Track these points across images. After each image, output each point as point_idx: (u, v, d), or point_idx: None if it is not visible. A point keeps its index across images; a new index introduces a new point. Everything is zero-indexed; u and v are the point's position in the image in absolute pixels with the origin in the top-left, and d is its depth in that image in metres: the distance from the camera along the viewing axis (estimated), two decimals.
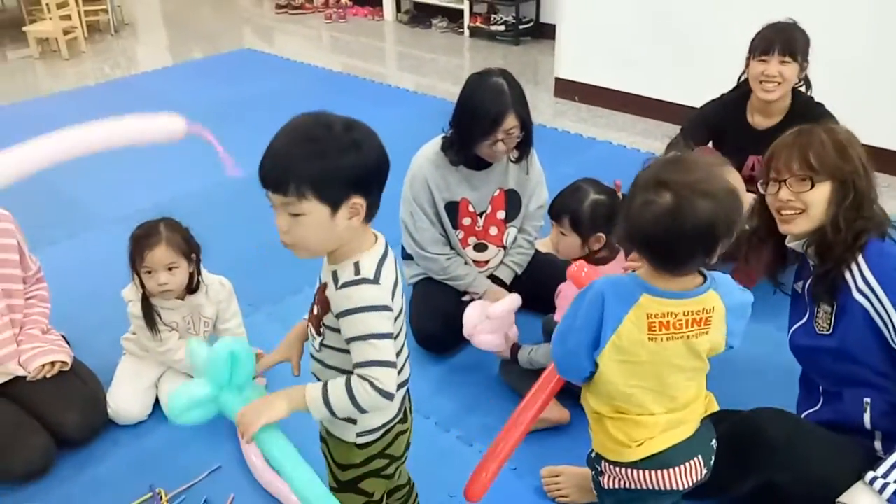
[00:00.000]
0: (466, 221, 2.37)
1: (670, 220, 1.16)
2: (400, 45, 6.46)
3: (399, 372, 1.24)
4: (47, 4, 5.77)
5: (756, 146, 2.64)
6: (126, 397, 2.11)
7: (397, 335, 1.27)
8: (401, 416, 1.38)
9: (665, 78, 4.25)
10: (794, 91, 2.60)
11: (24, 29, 5.86)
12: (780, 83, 2.48)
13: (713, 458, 1.41)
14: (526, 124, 2.20)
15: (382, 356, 1.20)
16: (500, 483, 1.90)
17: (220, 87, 5.14)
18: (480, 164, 2.31)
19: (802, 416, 1.76)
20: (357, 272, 1.21)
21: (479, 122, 2.14)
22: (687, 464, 1.37)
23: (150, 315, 2.07)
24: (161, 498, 1.87)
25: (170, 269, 2.00)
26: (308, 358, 1.37)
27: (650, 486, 1.37)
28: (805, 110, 2.55)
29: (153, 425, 2.13)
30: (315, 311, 1.30)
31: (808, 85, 2.62)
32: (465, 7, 6.33)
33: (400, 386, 1.31)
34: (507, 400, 2.15)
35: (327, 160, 1.14)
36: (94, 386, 2.12)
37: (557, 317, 1.81)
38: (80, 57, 6.03)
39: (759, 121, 2.64)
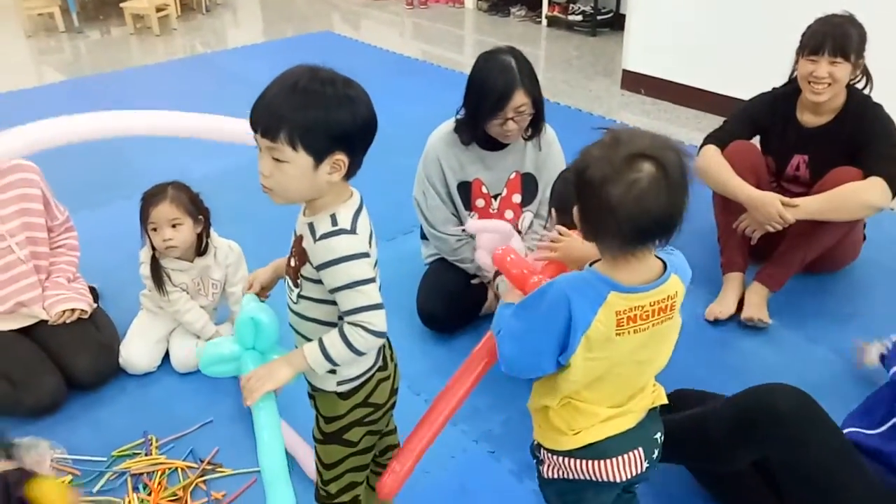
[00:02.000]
0: (480, 203, 2.36)
1: (665, 185, 1.11)
2: (477, 32, 6.45)
3: None
4: None
5: (803, 145, 2.50)
6: (137, 349, 2.22)
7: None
8: (380, 363, 1.40)
9: (732, 74, 4.07)
10: (850, 89, 2.41)
11: (122, 5, 6.21)
12: (830, 84, 2.29)
13: (657, 451, 1.37)
14: (537, 102, 2.17)
15: (370, 300, 1.24)
16: (478, 466, 1.93)
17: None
18: (495, 145, 2.29)
19: (846, 430, 1.67)
20: (334, 223, 1.23)
21: (487, 100, 2.12)
22: (625, 455, 1.31)
23: (158, 275, 2.18)
24: (151, 444, 1.97)
25: (174, 225, 2.10)
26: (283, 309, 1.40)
27: (587, 477, 1.32)
28: (860, 110, 2.38)
29: (159, 377, 2.24)
30: (292, 263, 1.32)
31: (869, 79, 2.40)
32: None
33: None
34: (501, 385, 2.14)
35: (319, 112, 1.16)
36: (108, 335, 2.25)
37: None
38: (171, 34, 6.34)
39: (808, 119, 2.47)
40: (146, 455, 1.93)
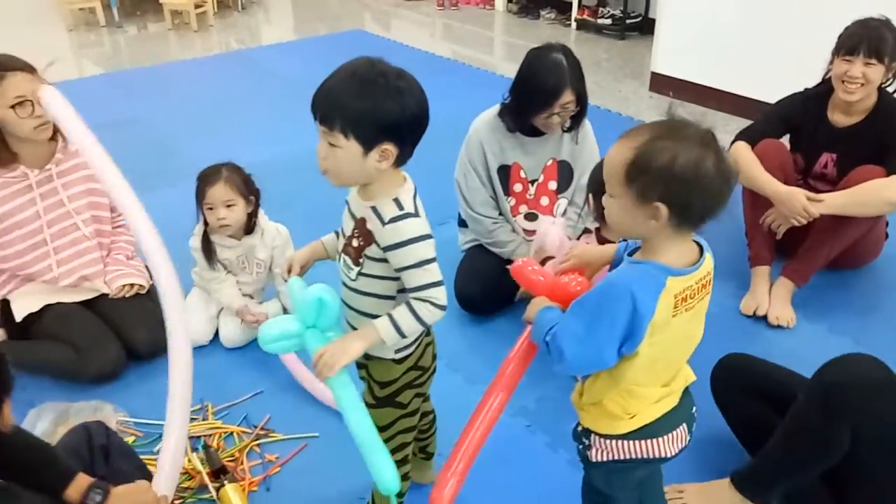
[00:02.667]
0: (518, 188, 2.47)
1: (724, 168, 1.17)
2: (507, 34, 6.55)
3: None
4: None
5: (833, 144, 2.59)
6: (191, 323, 2.35)
7: None
8: (424, 329, 1.51)
9: (760, 77, 4.15)
10: (881, 91, 2.50)
11: (161, 1, 6.38)
12: (863, 84, 2.38)
13: (694, 425, 1.44)
14: (581, 98, 2.29)
15: (435, 277, 1.36)
16: (515, 439, 2.03)
17: (330, 64, 5.42)
18: (535, 132, 2.40)
19: None
20: (400, 208, 1.34)
21: (538, 96, 2.25)
22: (674, 432, 1.38)
23: (208, 249, 2.31)
24: (207, 410, 2.10)
25: (228, 205, 2.23)
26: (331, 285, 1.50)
27: (640, 456, 1.38)
28: (890, 111, 2.47)
29: (212, 350, 2.37)
30: (354, 244, 1.41)
31: None
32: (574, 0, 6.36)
33: None
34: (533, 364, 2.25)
35: (368, 104, 1.26)
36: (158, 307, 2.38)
37: None
38: (208, 30, 6.51)
39: (839, 119, 2.56)
40: (203, 420, 2.06)
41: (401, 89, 1.29)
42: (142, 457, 1.79)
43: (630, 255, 1.30)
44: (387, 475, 1.36)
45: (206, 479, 1.83)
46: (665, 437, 1.38)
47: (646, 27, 6.05)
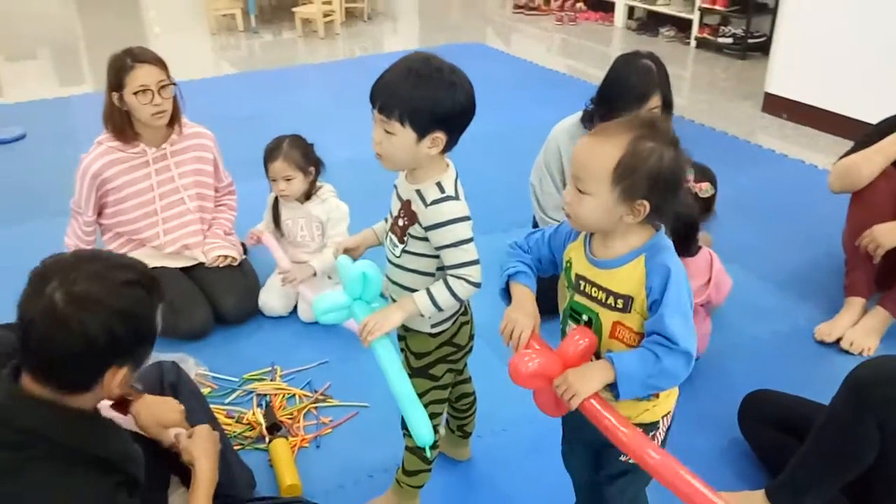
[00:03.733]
0: None
1: (683, 162, 1.23)
2: (624, 51, 6.53)
3: None
4: None
5: None
6: (272, 296, 2.57)
7: None
8: (462, 309, 1.63)
9: (876, 102, 3.94)
10: None
11: (294, 10, 6.83)
12: None
13: None
14: (668, 104, 2.32)
15: (471, 257, 1.47)
16: (551, 428, 2.08)
17: None
18: None
19: None
20: (441, 191, 1.46)
21: (627, 99, 2.26)
22: None
23: (276, 213, 2.59)
24: (276, 373, 2.29)
25: (287, 179, 2.47)
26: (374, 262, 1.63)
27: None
28: None
29: (289, 322, 2.58)
30: (400, 223, 1.53)
31: None
32: (695, 17, 6.27)
33: None
34: None
35: (425, 96, 1.38)
36: (252, 280, 2.62)
37: None
38: (334, 38, 6.90)
39: None
40: (271, 381, 2.25)
41: (454, 83, 1.40)
42: (212, 406, 1.99)
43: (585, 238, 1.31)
44: (423, 428, 1.44)
45: (264, 432, 2.01)
46: None
47: (769, 48, 5.87)
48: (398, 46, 6.62)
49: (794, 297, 2.69)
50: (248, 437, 2.03)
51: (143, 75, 2.33)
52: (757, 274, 2.83)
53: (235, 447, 1.93)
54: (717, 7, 6.05)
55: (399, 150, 1.43)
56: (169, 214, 2.55)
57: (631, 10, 7.11)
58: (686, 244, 2.06)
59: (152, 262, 2.52)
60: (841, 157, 2.60)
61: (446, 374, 1.66)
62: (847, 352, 2.40)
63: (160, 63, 2.39)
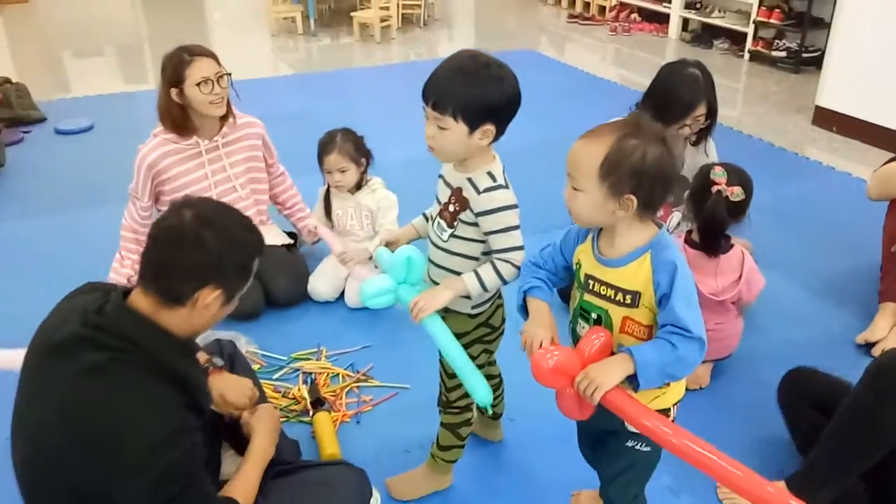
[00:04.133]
0: None
1: (674, 161, 1.31)
2: None
3: None
4: None
5: None
6: (321, 281, 2.70)
7: None
8: (497, 292, 1.72)
9: None
10: None
11: (352, 14, 7.03)
12: None
13: None
14: (712, 112, 2.39)
15: (517, 242, 1.57)
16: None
17: None
18: None
19: None
20: (493, 180, 1.56)
21: (674, 107, 2.34)
22: None
23: (328, 203, 2.73)
24: (322, 353, 2.41)
25: (341, 171, 2.63)
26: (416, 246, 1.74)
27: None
28: None
29: (336, 307, 2.71)
30: (450, 209, 1.63)
31: None
32: (749, 30, 6.25)
33: None
34: None
35: (476, 92, 1.47)
36: (302, 267, 2.76)
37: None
38: (390, 42, 7.07)
39: None
40: (316, 360, 2.38)
41: (500, 77, 1.49)
42: (261, 381, 2.12)
43: (595, 238, 1.38)
44: (481, 390, 1.53)
45: (308, 406, 2.13)
46: None
47: (822, 62, 5.84)
48: (451, 52, 6.74)
49: (830, 304, 2.72)
50: (293, 411, 2.15)
51: (203, 67, 2.48)
52: (795, 281, 2.86)
53: (281, 419, 2.05)
54: (772, 21, 6.02)
55: (452, 144, 1.52)
56: (225, 202, 2.69)
57: (686, 22, 7.12)
58: (713, 242, 2.13)
59: None
60: (882, 165, 2.62)
61: (481, 355, 1.75)
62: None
63: (214, 56, 2.54)
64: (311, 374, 2.31)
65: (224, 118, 2.63)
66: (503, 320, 1.78)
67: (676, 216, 2.59)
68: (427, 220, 1.75)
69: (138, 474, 1.22)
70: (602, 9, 7.98)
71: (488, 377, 1.89)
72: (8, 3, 8.63)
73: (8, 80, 4.74)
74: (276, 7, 7.32)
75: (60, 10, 8.70)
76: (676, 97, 2.34)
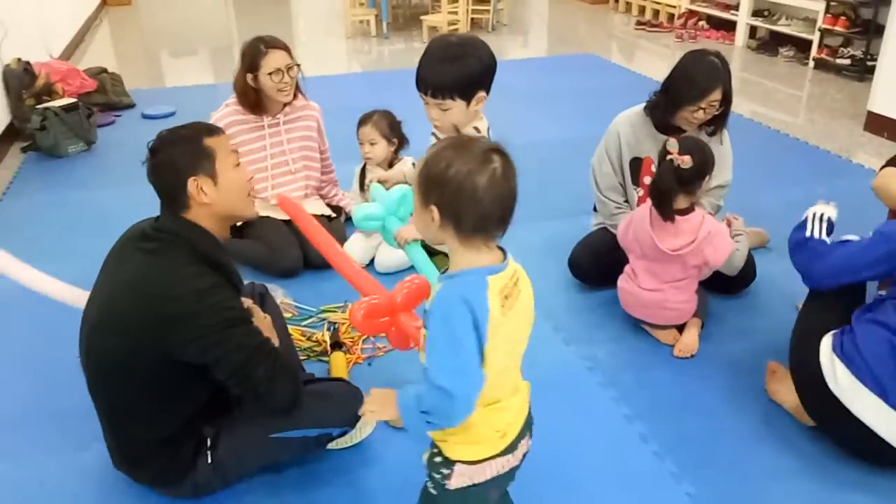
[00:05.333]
0: (647, 180, 2.73)
1: (511, 171, 1.24)
2: (741, 70, 6.55)
3: None
4: (448, 1, 7.22)
5: None
6: (355, 246, 2.99)
7: None
8: None
9: None
10: None
11: (422, 18, 7.36)
12: None
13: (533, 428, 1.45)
14: (727, 100, 2.54)
15: None
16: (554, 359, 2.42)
17: (550, 79, 5.99)
18: (674, 132, 2.60)
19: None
20: (478, 132, 1.85)
21: (690, 90, 2.50)
22: (522, 441, 1.40)
23: (362, 176, 3.02)
24: (347, 307, 2.69)
25: (371, 143, 2.93)
26: None
27: (498, 472, 1.36)
28: None
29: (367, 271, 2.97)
30: None
31: None
32: (815, 38, 6.23)
33: None
34: (628, 331, 2.57)
35: (462, 73, 1.77)
36: (338, 233, 3.04)
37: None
38: None
39: None
40: (342, 312, 2.66)
41: (475, 50, 1.77)
42: (290, 327, 2.41)
43: (443, 272, 1.32)
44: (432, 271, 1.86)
45: (328, 347, 2.41)
46: (519, 449, 1.38)
47: None
48: (516, 55, 6.99)
49: None
50: (314, 351, 2.44)
51: (276, 59, 2.82)
52: None
53: (302, 357, 2.34)
54: (837, 28, 6.00)
55: (456, 118, 1.81)
56: (277, 173, 3.03)
57: (753, 29, 7.13)
58: (662, 206, 2.33)
59: (262, 211, 3.01)
60: (890, 163, 2.68)
61: None
62: None
63: (287, 49, 2.87)
64: (335, 323, 2.59)
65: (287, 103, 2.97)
66: None
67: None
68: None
69: (188, 318, 1.60)
70: (671, 16, 8.06)
71: None
72: (112, 5, 9.41)
73: (104, 70, 5.28)
74: (352, 11, 7.74)
75: (159, 13, 9.43)
76: (694, 82, 2.49)
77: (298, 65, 2.89)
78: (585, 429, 2.12)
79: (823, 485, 1.90)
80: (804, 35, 6.44)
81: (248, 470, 1.86)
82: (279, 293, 2.70)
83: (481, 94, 1.77)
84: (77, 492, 1.91)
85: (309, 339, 2.50)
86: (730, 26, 7.34)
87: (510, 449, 1.36)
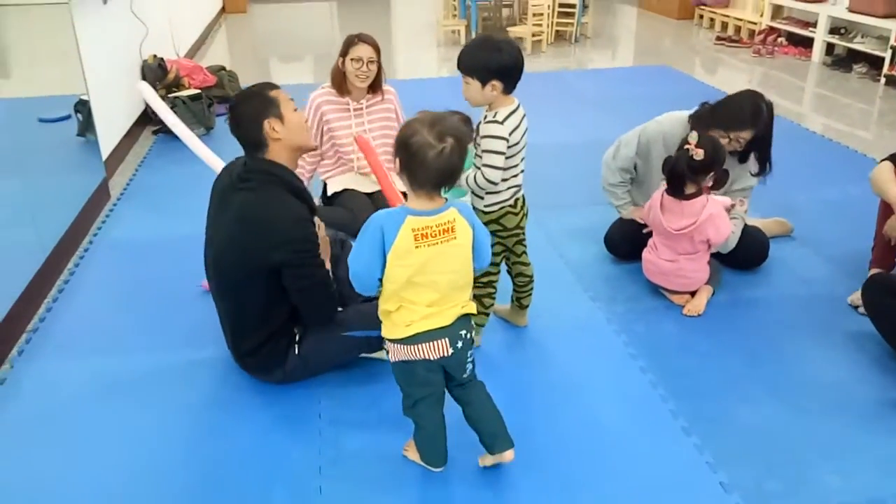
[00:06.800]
0: None
1: (458, 152, 1.73)
2: (815, 85, 6.73)
3: (506, 179, 2.35)
4: (533, 14, 7.72)
5: None
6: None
7: (511, 158, 2.34)
8: (511, 202, 2.44)
9: None
10: None
11: (508, 29, 7.89)
12: None
13: (461, 343, 1.88)
14: (759, 143, 2.89)
15: (492, 162, 2.29)
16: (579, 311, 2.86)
17: (625, 87, 6.38)
18: None
19: None
20: (494, 116, 2.30)
21: (726, 117, 2.84)
22: (436, 342, 1.84)
23: None
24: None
25: None
26: None
27: (413, 356, 1.85)
28: None
29: None
30: (475, 134, 2.35)
31: None
32: (887, 55, 6.38)
33: (510, 186, 2.40)
34: (646, 294, 3.00)
35: (481, 58, 2.24)
36: None
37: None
38: (539, 56, 7.84)
39: None
40: None
41: (500, 49, 2.24)
42: None
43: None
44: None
45: None
46: (428, 344, 1.84)
47: None
48: (595, 66, 7.40)
49: (844, 275, 3.11)
50: None
51: (361, 50, 3.39)
52: (821, 255, 3.29)
53: None
54: None
55: (472, 94, 2.29)
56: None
57: (829, 46, 7.30)
58: (675, 187, 2.77)
59: (346, 184, 3.60)
60: (888, 159, 2.96)
61: (496, 246, 2.47)
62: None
63: (375, 46, 3.44)
64: None
65: (371, 89, 3.54)
66: (518, 226, 2.49)
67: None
68: None
69: (287, 240, 2.16)
70: (752, 32, 8.28)
71: (519, 274, 2.63)
72: (230, 13, 10.39)
73: (223, 68, 6.05)
74: (445, 21, 8.35)
75: (270, 21, 10.34)
76: (736, 114, 2.82)
77: (379, 63, 3.44)
78: (597, 363, 2.57)
79: (787, 407, 2.30)
80: (877, 52, 6.59)
81: (325, 361, 2.43)
82: None
83: (496, 82, 2.22)
84: (198, 375, 2.52)
85: None
86: (807, 43, 7.52)
87: (414, 340, 1.83)
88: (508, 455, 2.00)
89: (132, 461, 2.13)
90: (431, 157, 1.70)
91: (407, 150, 1.71)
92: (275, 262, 2.18)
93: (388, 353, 1.93)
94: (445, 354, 1.86)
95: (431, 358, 1.86)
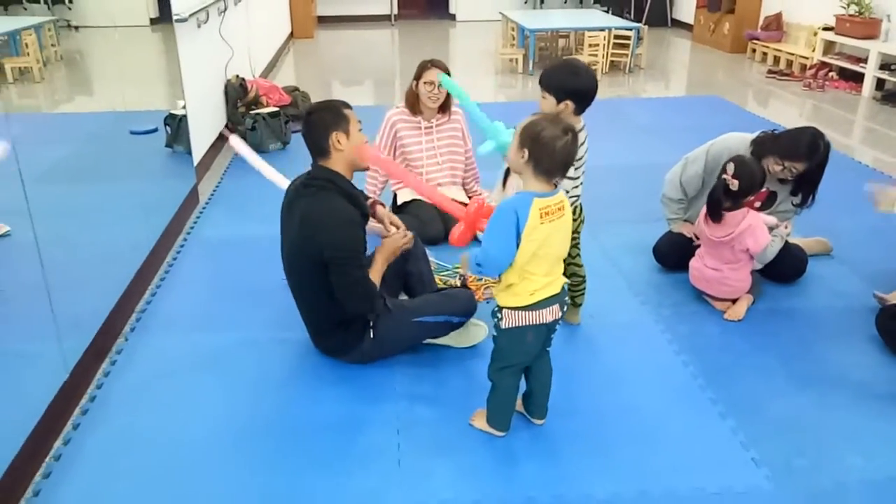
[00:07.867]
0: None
1: (575, 144, 2.03)
2: (864, 119, 6.83)
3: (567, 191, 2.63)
4: (589, 45, 8.05)
5: None
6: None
7: (575, 170, 2.65)
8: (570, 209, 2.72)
9: None
10: None
11: (564, 58, 8.20)
12: None
13: (566, 307, 2.22)
14: (809, 178, 3.13)
15: None
16: (629, 313, 3.13)
17: (674, 115, 6.64)
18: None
19: None
20: None
21: (784, 146, 3.09)
22: (552, 307, 2.14)
23: (506, 177, 3.76)
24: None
25: None
26: None
27: (531, 322, 2.12)
28: None
29: None
30: None
31: None
32: None
33: (571, 196, 2.70)
34: (691, 300, 3.26)
35: (558, 79, 2.55)
36: None
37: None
38: None
39: None
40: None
41: (577, 73, 2.56)
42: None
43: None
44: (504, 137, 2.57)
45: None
46: (547, 310, 2.14)
47: None
48: (647, 94, 7.67)
49: (878, 290, 3.29)
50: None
51: (432, 75, 3.76)
52: (858, 274, 3.50)
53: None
54: None
55: (545, 108, 2.58)
56: (428, 163, 3.95)
57: (880, 81, 7.44)
58: (713, 211, 3.04)
59: (414, 195, 3.94)
60: None
61: None
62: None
63: (446, 71, 3.80)
64: (464, 275, 3.45)
65: (441, 110, 3.90)
66: (575, 231, 2.77)
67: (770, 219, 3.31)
68: None
69: (335, 239, 2.44)
70: (803, 66, 8.45)
71: (575, 275, 2.92)
72: (298, 38, 10.98)
73: (297, 88, 6.51)
74: (503, 50, 8.74)
75: (336, 47, 10.88)
76: (795, 147, 3.05)
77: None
78: (643, 356, 2.85)
79: (816, 399, 2.53)
80: None
81: (399, 344, 2.74)
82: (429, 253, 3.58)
83: (569, 102, 2.52)
84: (285, 352, 2.86)
85: (444, 283, 3.36)
86: (857, 78, 7.67)
87: (538, 306, 2.10)
88: (538, 421, 2.42)
89: (228, 419, 2.48)
90: (560, 147, 1.98)
91: (538, 142, 1.98)
92: (325, 258, 2.47)
93: (499, 321, 2.16)
94: (557, 317, 2.17)
95: (548, 321, 2.14)
